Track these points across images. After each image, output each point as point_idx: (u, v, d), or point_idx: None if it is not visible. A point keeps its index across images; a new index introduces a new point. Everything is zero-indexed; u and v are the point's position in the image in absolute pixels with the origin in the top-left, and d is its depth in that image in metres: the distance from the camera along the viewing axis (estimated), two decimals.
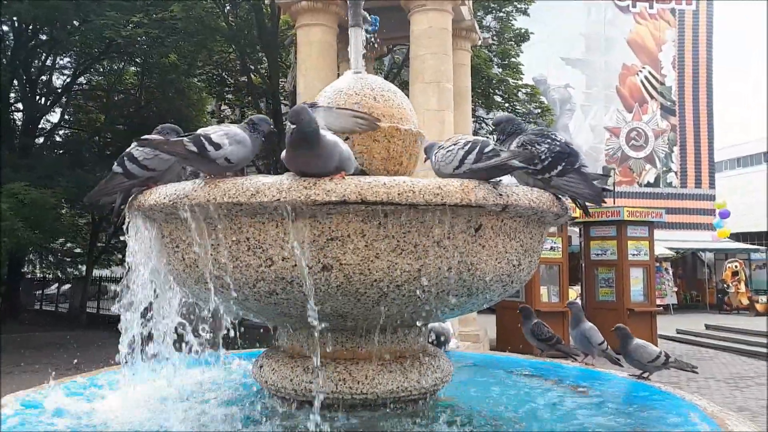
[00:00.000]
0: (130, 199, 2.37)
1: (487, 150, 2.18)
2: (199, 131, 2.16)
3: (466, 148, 2.20)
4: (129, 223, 2.37)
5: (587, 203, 2.42)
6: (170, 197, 2.10)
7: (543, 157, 2.31)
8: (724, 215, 27.07)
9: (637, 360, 3.06)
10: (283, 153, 2.07)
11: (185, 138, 2.11)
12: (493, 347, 11.88)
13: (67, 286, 24.96)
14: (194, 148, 2.07)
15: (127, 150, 2.41)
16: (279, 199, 1.93)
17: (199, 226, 2.07)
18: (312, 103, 2.47)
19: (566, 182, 2.29)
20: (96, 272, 22.14)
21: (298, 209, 1.95)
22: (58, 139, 20.12)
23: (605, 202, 2.39)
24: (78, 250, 22.82)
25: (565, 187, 2.30)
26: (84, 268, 21.41)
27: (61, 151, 19.05)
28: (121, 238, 21.20)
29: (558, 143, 2.35)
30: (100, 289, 22.95)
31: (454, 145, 2.25)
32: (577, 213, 3.18)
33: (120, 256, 23.44)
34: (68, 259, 22.94)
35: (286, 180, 1.97)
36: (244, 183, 1.99)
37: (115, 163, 2.38)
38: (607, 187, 2.55)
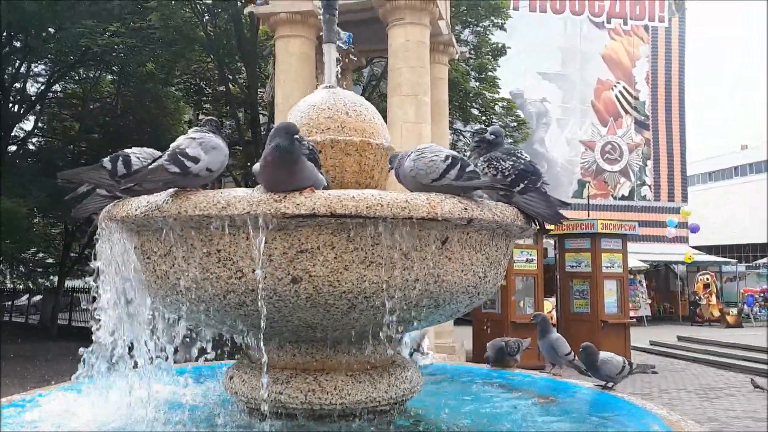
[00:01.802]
0: (102, 210, 2.37)
1: (468, 170, 2.25)
2: (173, 147, 2.15)
3: (448, 162, 2.25)
4: (100, 233, 2.38)
5: (545, 222, 2.48)
6: (142, 209, 2.12)
7: (507, 174, 2.38)
8: (694, 230, 27.60)
9: (606, 375, 3.13)
10: (256, 167, 2.10)
11: (164, 161, 2.08)
12: (469, 359, 11.95)
13: (38, 297, 24.48)
14: (177, 169, 2.06)
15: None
16: (249, 212, 1.97)
17: (170, 238, 2.09)
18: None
19: (526, 200, 2.36)
20: (68, 283, 21.76)
21: (269, 222, 1.99)
22: (31, 147, 19.81)
23: (563, 224, 2.47)
24: (50, 261, 22.43)
25: (525, 204, 2.37)
26: (56, 278, 21.04)
27: (34, 160, 18.75)
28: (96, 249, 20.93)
29: (522, 161, 2.43)
30: (72, 300, 22.57)
31: (436, 156, 2.29)
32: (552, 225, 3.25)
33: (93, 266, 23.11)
34: (40, 270, 22.53)
35: (256, 193, 2.01)
36: (216, 196, 2.02)
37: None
38: (566, 202, 2.61)
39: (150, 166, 2.15)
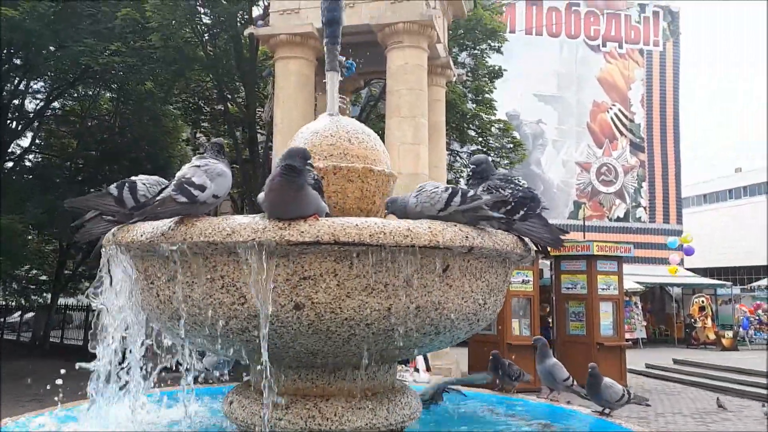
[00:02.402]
0: (106, 234, 2.39)
1: (469, 194, 2.34)
2: (179, 177, 2.17)
3: (449, 191, 2.34)
4: (105, 258, 2.39)
5: (547, 246, 2.52)
6: (147, 235, 2.14)
7: (506, 201, 2.42)
8: (689, 252, 27.69)
9: (605, 400, 3.14)
10: (261, 195, 2.12)
11: (171, 191, 2.12)
12: None
13: (30, 314, 24.28)
14: (185, 199, 2.09)
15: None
16: (254, 239, 1.99)
17: (174, 263, 2.11)
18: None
19: (527, 227, 2.40)
20: (61, 300, 21.61)
21: (273, 249, 2.01)
22: (28, 164, 19.81)
23: (564, 247, 2.52)
24: (43, 277, 22.29)
25: (527, 231, 2.41)
26: (49, 295, 20.89)
27: (30, 177, 18.73)
28: (91, 267, 20.84)
29: (521, 189, 2.48)
30: (65, 317, 22.39)
31: (436, 188, 2.39)
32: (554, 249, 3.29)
33: (87, 284, 22.97)
34: (33, 287, 22.38)
35: (261, 220, 2.04)
36: (221, 223, 2.04)
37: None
38: (565, 230, 2.66)
39: (158, 198, 2.17)
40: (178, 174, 2.21)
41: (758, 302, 25.64)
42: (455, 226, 2.19)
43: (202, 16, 15.82)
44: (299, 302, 2.06)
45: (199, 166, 2.21)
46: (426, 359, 8.66)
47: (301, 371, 2.43)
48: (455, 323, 2.29)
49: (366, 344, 2.18)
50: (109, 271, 2.39)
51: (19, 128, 18.36)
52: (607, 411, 3.15)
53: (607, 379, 3.18)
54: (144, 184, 2.42)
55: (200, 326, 2.16)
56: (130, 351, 2.47)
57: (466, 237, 2.17)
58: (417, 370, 8.11)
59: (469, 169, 2.78)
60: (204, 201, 2.12)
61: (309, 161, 2.10)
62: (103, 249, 2.38)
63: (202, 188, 2.12)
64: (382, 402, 2.46)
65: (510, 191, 2.44)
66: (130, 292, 2.35)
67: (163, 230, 2.10)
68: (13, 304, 25.43)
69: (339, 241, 2.00)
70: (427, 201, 2.33)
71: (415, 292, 2.14)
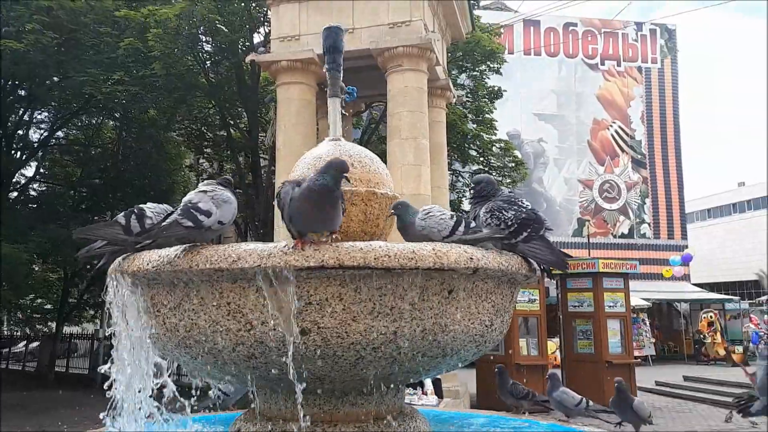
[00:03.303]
0: (112, 263, 2.41)
1: (472, 226, 2.44)
2: (185, 202, 2.20)
3: (455, 219, 2.43)
4: (109, 286, 2.40)
5: (551, 267, 2.54)
6: (153, 263, 2.15)
7: (510, 223, 2.43)
8: (687, 259, 27.53)
9: (641, 416, 3.09)
10: (286, 189, 2.12)
11: (177, 216, 2.14)
12: (473, 402, 11.77)
13: (35, 344, 24.20)
14: (191, 224, 2.12)
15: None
16: (260, 265, 2.00)
17: (180, 291, 2.12)
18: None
19: (531, 248, 2.41)
20: (66, 329, 21.56)
21: (278, 275, 2.02)
22: (32, 193, 19.94)
23: (569, 267, 2.54)
24: (48, 306, 22.27)
25: (530, 252, 2.41)
26: (54, 324, 20.85)
27: (34, 206, 18.84)
28: (95, 295, 20.82)
29: (524, 210, 2.48)
30: (70, 346, 22.31)
31: (443, 215, 2.47)
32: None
33: (92, 312, 22.92)
34: (38, 316, 22.34)
35: (266, 246, 2.05)
36: (226, 250, 2.05)
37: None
38: (569, 255, 2.67)
39: (164, 222, 2.19)
40: (185, 199, 2.24)
41: (754, 317, 25.43)
42: (460, 247, 2.20)
43: (204, 44, 16.06)
44: (305, 327, 2.07)
45: (206, 192, 2.23)
46: (438, 385, 8.56)
47: (308, 397, 2.42)
48: (462, 345, 2.28)
49: (373, 368, 2.17)
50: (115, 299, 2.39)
51: (24, 158, 18.52)
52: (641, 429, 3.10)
53: (636, 399, 3.12)
54: (152, 212, 2.45)
55: (207, 353, 2.16)
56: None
57: (471, 258, 2.17)
58: (425, 393, 8.02)
59: (470, 190, 2.80)
60: (209, 227, 2.14)
61: (345, 174, 2.11)
62: (109, 277, 2.39)
63: (208, 214, 2.14)
64: (390, 426, 2.45)
65: (513, 213, 2.45)
66: (138, 320, 2.35)
67: (169, 258, 2.10)
68: (18, 333, 25.36)
69: (344, 265, 2.01)
70: (434, 226, 2.38)
71: (421, 315, 2.14)
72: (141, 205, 2.46)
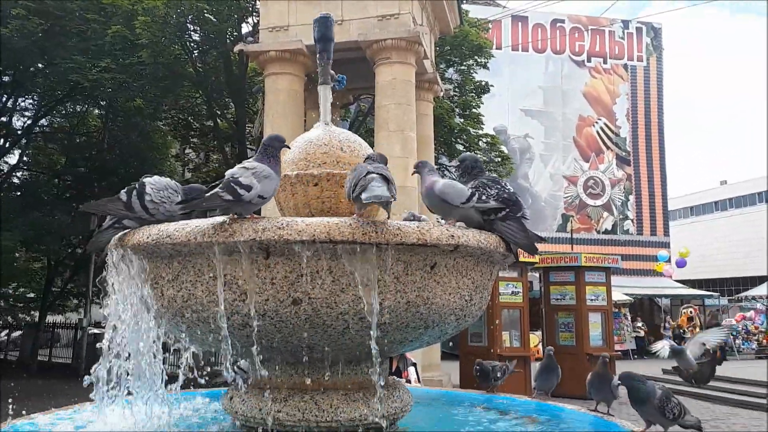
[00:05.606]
0: (113, 238, 2.50)
1: (483, 196, 2.62)
2: (228, 176, 2.30)
3: (470, 191, 2.63)
4: (110, 259, 2.50)
5: (521, 250, 2.68)
6: (153, 237, 2.26)
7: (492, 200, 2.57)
8: (680, 264, 28.02)
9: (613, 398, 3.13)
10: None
11: (218, 189, 2.24)
12: None
13: (17, 333, 24.02)
14: (230, 197, 2.21)
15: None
16: (255, 239, 2.12)
17: (178, 263, 2.23)
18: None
19: (506, 227, 2.55)
20: (49, 318, 21.43)
21: (272, 247, 2.13)
22: (15, 181, 19.77)
23: (538, 253, 2.69)
24: (31, 295, 22.12)
25: (504, 230, 2.55)
26: (36, 313, 20.72)
27: (18, 194, 18.69)
28: (79, 285, 20.71)
29: (506, 191, 2.63)
30: (53, 336, 22.18)
31: (461, 186, 2.69)
32: (537, 258, 3.43)
33: (76, 301, 22.79)
34: (20, 305, 22.18)
35: (261, 221, 2.16)
36: (223, 224, 2.17)
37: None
38: (541, 237, 2.81)
39: (207, 194, 2.30)
40: (228, 173, 2.33)
41: (742, 313, 25.93)
42: (442, 225, 2.34)
43: (192, 33, 16.00)
44: (297, 297, 2.19)
45: (247, 168, 2.33)
46: (416, 371, 8.72)
47: (298, 366, 2.54)
48: (443, 318, 2.42)
49: (360, 337, 2.30)
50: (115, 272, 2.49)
51: (7, 145, 18.35)
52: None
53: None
54: (152, 188, 2.54)
55: (203, 323, 2.28)
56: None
57: (452, 236, 2.30)
58: (409, 381, 8.17)
59: (457, 168, 2.95)
60: (249, 200, 2.24)
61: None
62: (109, 251, 2.49)
63: (248, 188, 2.23)
64: (375, 395, 2.57)
65: (496, 191, 2.59)
66: (137, 292, 2.45)
67: (168, 232, 2.23)
68: (0, 322, 25.13)
69: (334, 239, 2.13)
70: (455, 193, 2.57)
71: (405, 288, 2.27)
72: (144, 179, 2.55)
